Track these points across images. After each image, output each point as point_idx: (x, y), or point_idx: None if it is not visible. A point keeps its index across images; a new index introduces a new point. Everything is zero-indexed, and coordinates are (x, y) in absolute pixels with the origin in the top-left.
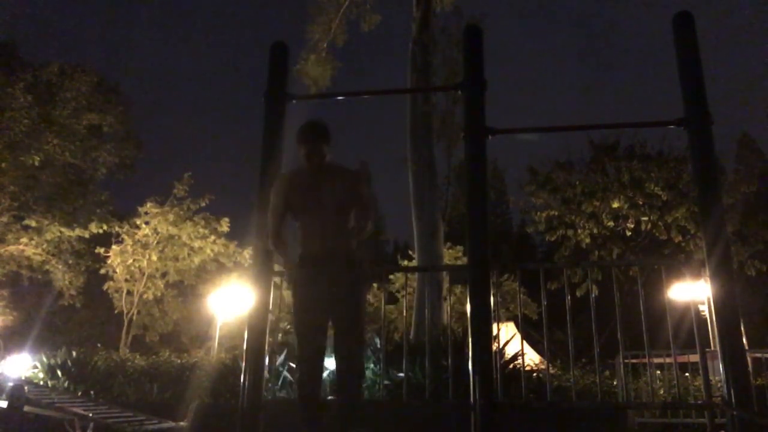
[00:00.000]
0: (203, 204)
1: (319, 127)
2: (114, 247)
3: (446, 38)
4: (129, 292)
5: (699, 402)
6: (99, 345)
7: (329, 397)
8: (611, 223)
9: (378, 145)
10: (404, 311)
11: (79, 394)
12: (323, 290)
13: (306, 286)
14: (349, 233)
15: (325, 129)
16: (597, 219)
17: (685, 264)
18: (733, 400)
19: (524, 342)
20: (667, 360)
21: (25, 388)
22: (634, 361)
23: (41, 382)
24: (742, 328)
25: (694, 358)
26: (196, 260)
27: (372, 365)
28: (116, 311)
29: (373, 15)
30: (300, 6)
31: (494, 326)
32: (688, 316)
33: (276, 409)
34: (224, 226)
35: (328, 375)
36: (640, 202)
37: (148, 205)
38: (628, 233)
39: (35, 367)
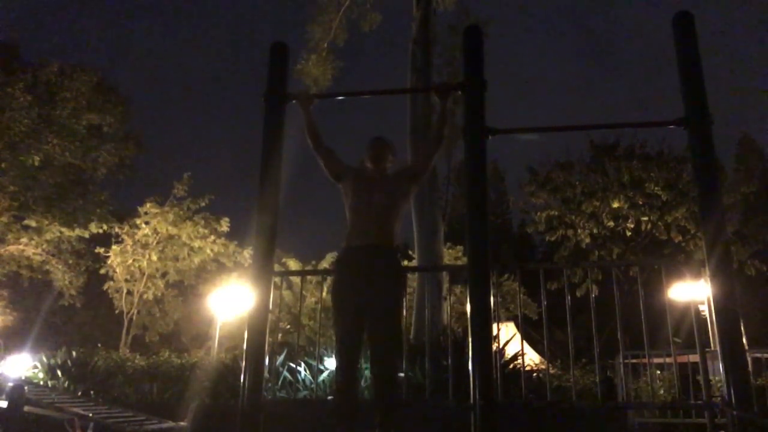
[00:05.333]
0: (203, 204)
1: (387, 140)
2: (114, 247)
3: (446, 38)
4: (129, 292)
5: (699, 402)
6: (99, 345)
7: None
8: (611, 223)
9: None
10: (404, 311)
11: (79, 394)
12: (359, 288)
13: (342, 284)
14: (394, 233)
15: (392, 145)
16: (597, 219)
17: (685, 264)
18: (733, 400)
19: (524, 342)
20: (667, 360)
21: (25, 388)
22: (634, 361)
23: (41, 382)
24: (742, 328)
25: (694, 358)
26: (196, 260)
27: None
28: (116, 311)
29: (374, 14)
30: (300, 6)
31: (494, 326)
32: (688, 316)
33: (276, 409)
34: (224, 226)
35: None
36: (640, 202)
37: (148, 205)
38: (628, 233)
39: (35, 367)
